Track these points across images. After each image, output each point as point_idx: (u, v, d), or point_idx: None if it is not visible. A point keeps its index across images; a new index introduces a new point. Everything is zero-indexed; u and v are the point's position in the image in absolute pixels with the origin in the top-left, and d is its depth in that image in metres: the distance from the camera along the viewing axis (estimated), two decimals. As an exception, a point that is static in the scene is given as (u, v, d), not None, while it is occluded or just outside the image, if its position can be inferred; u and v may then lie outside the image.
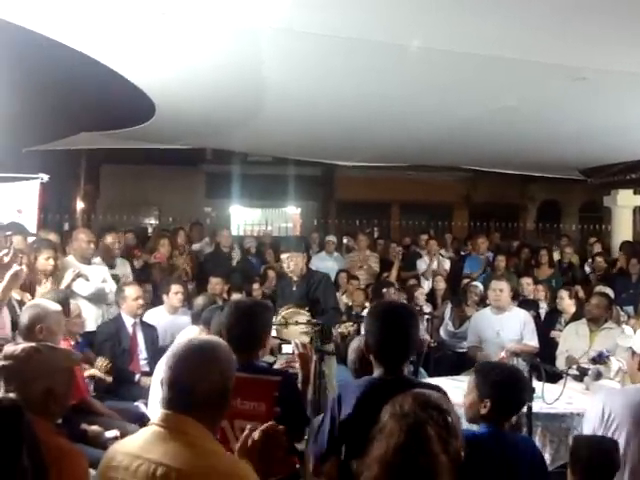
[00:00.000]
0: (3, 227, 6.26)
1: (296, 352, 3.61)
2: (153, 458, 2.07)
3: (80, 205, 15.09)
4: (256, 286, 8.31)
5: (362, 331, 6.88)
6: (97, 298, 6.57)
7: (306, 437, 3.46)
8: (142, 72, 6.01)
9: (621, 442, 3.09)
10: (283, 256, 6.34)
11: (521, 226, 18.01)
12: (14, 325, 4.62)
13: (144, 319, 6.48)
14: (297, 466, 3.37)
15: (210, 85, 6.34)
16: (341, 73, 5.88)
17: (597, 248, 10.85)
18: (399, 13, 4.50)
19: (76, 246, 6.83)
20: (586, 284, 8.77)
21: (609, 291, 7.58)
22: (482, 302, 7.67)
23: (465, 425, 3.24)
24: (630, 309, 7.94)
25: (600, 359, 4.93)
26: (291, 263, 6.18)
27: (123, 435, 4.50)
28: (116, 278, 7.02)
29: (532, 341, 6.51)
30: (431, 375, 6.26)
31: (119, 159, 15.66)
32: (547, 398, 4.24)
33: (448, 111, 7.08)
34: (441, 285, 9.02)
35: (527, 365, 4.23)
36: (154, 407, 4.39)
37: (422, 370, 6.32)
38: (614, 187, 11.61)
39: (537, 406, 4.19)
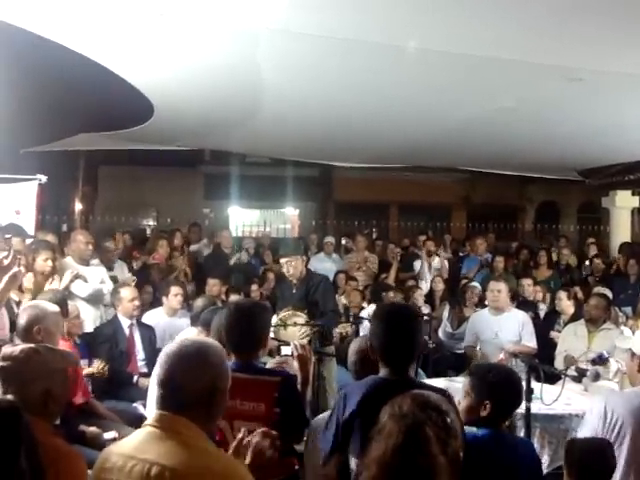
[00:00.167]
0: (2, 228, 6.26)
1: (295, 354, 3.61)
2: (147, 458, 2.08)
3: (78, 206, 15.09)
4: (254, 287, 8.31)
5: (361, 332, 6.94)
6: (95, 299, 6.57)
7: (305, 438, 3.46)
8: (140, 73, 6.01)
9: (625, 445, 3.08)
10: (282, 260, 6.36)
11: (519, 227, 18.04)
12: (12, 326, 4.60)
13: (143, 320, 6.48)
14: (296, 467, 3.37)
15: (208, 86, 6.34)
16: (338, 74, 5.88)
17: (593, 250, 10.86)
18: (395, 14, 4.50)
19: (74, 247, 6.82)
20: (584, 285, 8.77)
21: (608, 292, 7.58)
22: (480, 303, 7.67)
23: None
24: (628, 310, 7.94)
25: (600, 360, 4.93)
26: (290, 267, 6.19)
27: (121, 437, 4.50)
28: (114, 280, 7.01)
29: (530, 342, 6.51)
30: (429, 376, 6.26)
31: (117, 160, 15.68)
32: (546, 399, 4.24)
33: (445, 112, 7.09)
34: (440, 286, 9.02)
35: (526, 366, 4.23)
36: (153, 408, 4.38)
37: (420, 371, 6.32)
38: (612, 188, 11.62)
39: (536, 407, 4.19)
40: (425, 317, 7.41)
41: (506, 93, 6.24)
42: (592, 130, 7.62)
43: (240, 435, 2.28)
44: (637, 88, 5.85)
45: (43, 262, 5.98)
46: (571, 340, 6.45)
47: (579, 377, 5.61)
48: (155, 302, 7.28)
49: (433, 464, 1.86)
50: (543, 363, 5.37)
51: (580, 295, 7.87)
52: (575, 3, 4.28)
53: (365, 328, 7.07)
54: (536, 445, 4.30)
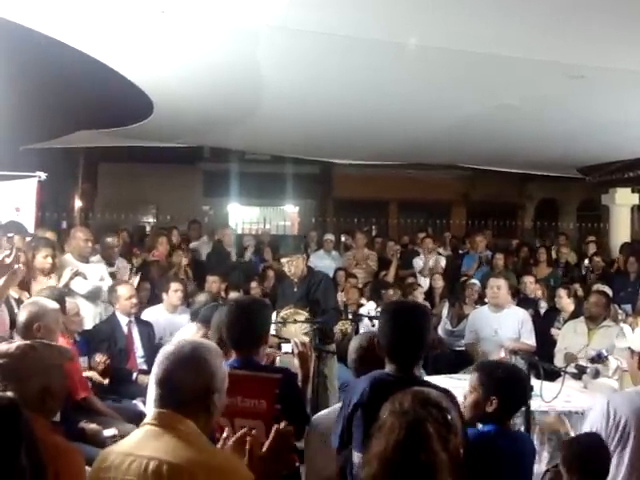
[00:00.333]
0: (2, 226, 6.25)
1: (295, 351, 3.61)
2: (145, 454, 2.10)
3: (78, 203, 15.09)
4: (254, 284, 8.30)
5: (361, 329, 6.95)
6: (95, 296, 6.56)
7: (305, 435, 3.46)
8: (140, 70, 6.00)
9: (629, 445, 3.07)
10: (283, 260, 6.38)
11: (519, 224, 18.03)
12: (12, 323, 4.61)
13: (142, 317, 6.47)
14: (297, 464, 3.37)
15: (208, 83, 6.34)
16: (338, 71, 5.88)
17: (592, 248, 10.85)
18: (396, 11, 4.50)
19: (74, 244, 6.82)
20: (584, 282, 8.77)
21: (607, 289, 7.58)
22: (480, 300, 7.68)
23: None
24: (628, 307, 7.95)
25: (599, 359, 4.93)
26: (292, 267, 6.20)
27: (121, 433, 4.51)
28: (115, 276, 7.01)
29: (530, 340, 6.51)
30: (429, 373, 6.26)
31: (117, 157, 15.65)
32: (545, 396, 4.24)
33: (445, 109, 7.08)
34: (439, 283, 9.02)
35: (525, 363, 4.23)
36: (151, 406, 4.38)
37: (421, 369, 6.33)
38: (612, 185, 11.62)
39: (535, 404, 4.19)
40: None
41: (507, 90, 6.23)
42: (592, 127, 7.62)
43: (225, 434, 2.30)
44: (638, 85, 5.84)
45: (43, 259, 5.98)
46: (571, 337, 6.45)
47: (579, 374, 5.60)
48: (154, 299, 7.27)
49: (434, 460, 1.86)
50: (543, 360, 5.38)
51: (580, 293, 7.87)
52: (576, 0, 4.28)
53: (365, 325, 7.08)
54: (535, 442, 4.30)
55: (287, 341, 4.19)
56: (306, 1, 4.52)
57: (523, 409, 3.91)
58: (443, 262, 9.90)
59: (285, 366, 3.98)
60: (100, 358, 5.51)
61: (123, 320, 6.12)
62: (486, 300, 7.06)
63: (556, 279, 9.23)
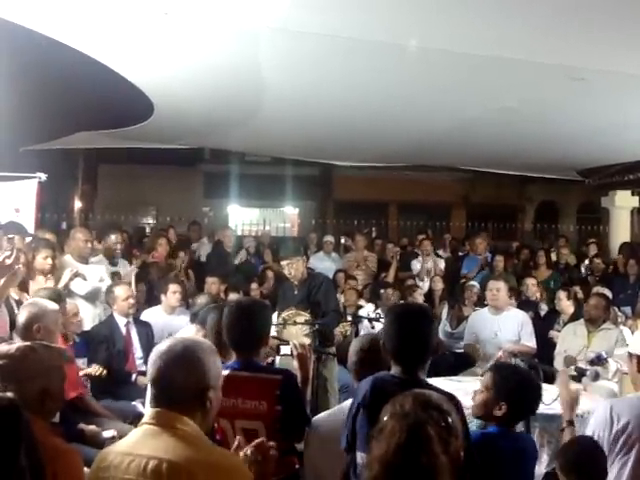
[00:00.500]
0: (2, 227, 6.25)
1: (294, 353, 3.61)
2: (144, 453, 2.09)
3: (78, 204, 15.10)
4: (254, 286, 8.30)
5: (361, 331, 6.94)
6: (94, 297, 6.56)
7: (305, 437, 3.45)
8: (141, 71, 6.00)
9: (633, 451, 3.06)
10: (283, 263, 6.37)
11: (519, 227, 18.05)
12: (12, 324, 4.60)
13: (140, 318, 6.47)
14: (297, 466, 3.37)
15: (209, 85, 6.34)
16: (340, 73, 5.88)
17: (593, 250, 10.85)
18: (399, 13, 4.50)
19: (73, 245, 6.81)
20: (584, 285, 8.77)
21: (607, 292, 7.58)
22: (479, 302, 7.67)
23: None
24: (628, 310, 7.95)
25: (599, 361, 4.93)
26: (292, 269, 6.20)
27: (120, 435, 4.50)
28: (117, 276, 7.00)
29: (530, 342, 6.50)
30: (428, 376, 6.24)
31: (117, 159, 15.67)
32: (545, 399, 4.23)
33: (447, 111, 7.08)
34: (439, 285, 9.01)
35: (525, 365, 4.23)
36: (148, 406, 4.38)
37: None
38: (612, 188, 11.62)
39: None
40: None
41: (509, 92, 6.24)
42: (593, 130, 7.62)
43: (237, 443, 2.30)
44: (638, 88, 5.85)
45: (43, 260, 5.97)
46: (570, 340, 6.45)
47: (578, 377, 5.60)
48: (153, 300, 7.25)
49: (435, 463, 1.86)
50: (542, 363, 5.38)
51: (580, 295, 7.87)
52: (578, 3, 4.28)
53: (365, 327, 7.07)
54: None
55: (287, 343, 4.19)
56: (308, 3, 4.53)
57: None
58: (442, 264, 9.90)
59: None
60: (95, 369, 5.48)
61: (121, 321, 6.10)
62: (485, 302, 7.06)
63: (556, 281, 9.22)
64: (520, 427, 4.01)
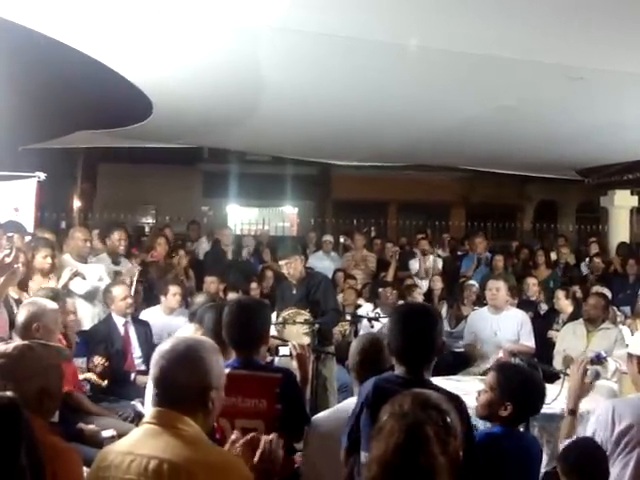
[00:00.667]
0: (1, 226, 6.25)
1: (294, 353, 3.61)
2: (145, 453, 2.09)
3: (77, 204, 15.09)
4: (254, 285, 8.30)
5: (361, 331, 6.94)
6: (93, 297, 6.55)
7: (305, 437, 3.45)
8: (140, 70, 5.99)
9: (635, 452, 3.05)
10: (281, 262, 6.38)
11: (518, 226, 18.05)
12: (12, 324, 4.60)
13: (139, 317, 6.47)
14: (296, 466, 3.37)
15: (208, 84, 6.33)
16: (339, 72, 5.88)
17: (594, 248, 10.86)
18: (398, 13, 4.50)
19: (73, 244, 6.81)
20: (583, 284, 8.77)
21: (607, 291, 7.59)
22: (478, 301, 7.68)
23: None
24: (627, 309, 7.96)
25: (598, 360, 4.93)
26: (290, 269, 6.21)
27: (118, 432, 4.51)
28: (119, 275, 7.00)
29: (529, 342, 6.50)
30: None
31: (116, 158, 15.65)
32: (546, 398, 4.24)
33: (446, 111, 7.08)
34: (438, 285, 9.01)
35: (525, 365, 4.23)
36: (149, 406, 4.39)
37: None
38: (611, 188, 11.63)
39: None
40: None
41: (507, 92, 6.24)
42: (592, 129, 7.62)
43: (234, 437, 2.29)
44: (637, 87, 5.85)
45: (42, 259, 5.97)
46: (570, 339, 6.45)
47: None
48: (152, 299, 7.24)
49: (434, 464, 1.86)
50: (542, 362, 5.37)
51: (579, 294, 7.87)
52: (577, 2, 4.28)
53: (364, 327, 7.08)
54: (535, 444, 4.30)
55: (286, 344, 4.19)
56: (307, 2, 4.52)
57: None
58: (440, 264, 9.90)
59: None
60: (98, 360, 5.49)
61: (119, 321, 6.10)
62: (484, 302, 7.06)
63: (555, 281, 9.23)
64: (520, 427, 4.03)
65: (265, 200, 18.75)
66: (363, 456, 2.76)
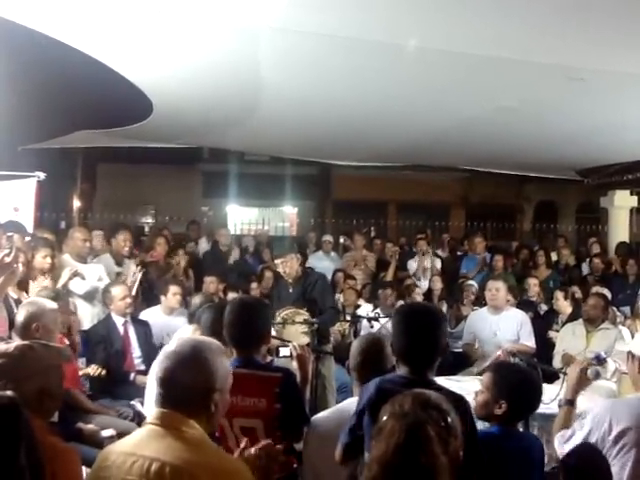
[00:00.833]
0: (1, 226, 6.25)
1: (294, 354, 3.61)
2: (147, 454, 2.09)
3: (76, 204, 15.08)
4: (254, 285, 8.30)
5: (361, 331, 6.94)
6: (93, 297, 6.56)
7: (304, 437, 3.45)
8: (140, 70, 5.99)
9: (631, 455, 3.05)
10: (277, 261, 6.39)
11: (517, 226, 18.04)
12: (11, 324, 4.60)
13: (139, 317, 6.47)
14: (295, 466, 3.37)
15: (208, 84, 6.33)
16: (338, 72, 5.88)
17: (596, 249, 10.85)
18: (397, 13, 4.50)
19: (72, 244, 6.81)
20: (583, 285, 8.78)
21: (606, 292, 7.59)
22: (477, 301, 7.68)
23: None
24: (627, 310, 7.95)
25: (597, 361, 4.93)
26: (286, 267, 6.21)
27: (119, 432, 4.51)
28: (121, 276, 7.00)
29: (529, 342, 6.51)
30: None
31: (116, 158, 15.63)
32: (545, 398, 4.23)
33: (445, 111, 7.08)
34: (438, 285, 9.01)
35: (525, 365, 4.23)
36: (150, 406, 4.39)
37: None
38: (611, 188, 11.62)
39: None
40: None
41: (507, 92, 6.24)
42: (592, 130, 7.62)
43: (243, 445, 2.30)
44: (637, 88, 5.85)
45: (42, 259, 5.97)
46: (569, 340, 6.45)
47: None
48: (152, 299, 7.24)
49: (435, 464, 1.86)
50: (542, 362, 5.37)
51: (578, 295, 7.87)
52: (576, 2, 4.28)
53: (364, 327, 7.08)
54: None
55: (286, 345, 4.19)
56: (307, 2, 4.52)
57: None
58: (438, 264, 9.89)
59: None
60: (93, 370, 5.46)
61: (119, 321, 6.10)
62: (484, 302, 7.06)
63: (555, 281, 9.23)
64: (520, 427, 4.03)
65: (265, 200, 18.74)
66: (367, 457, 2.75)
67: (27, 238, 6.42)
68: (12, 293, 5.20)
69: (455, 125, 7.59)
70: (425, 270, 9.54)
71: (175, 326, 6.14)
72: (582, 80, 5.55)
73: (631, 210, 12.40)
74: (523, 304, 7.68)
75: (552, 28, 4.62)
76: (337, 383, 6.34)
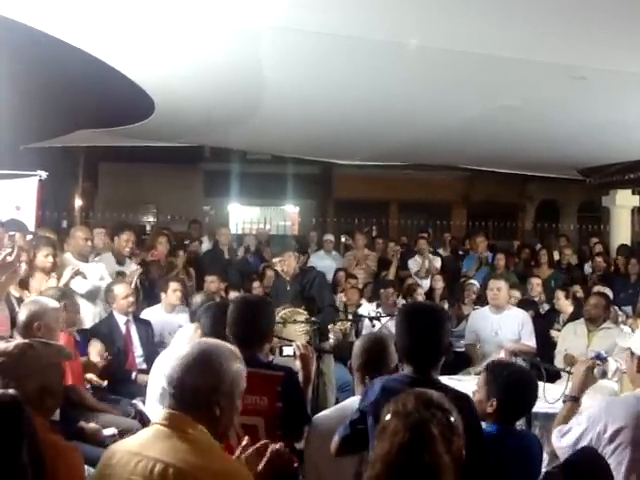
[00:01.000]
0: (2, 224, 6.25)
1: (297, 353, 3.61)
2: (152, 455, 2.09)
3: (78, 203, 15.10)
4: (256, 284, 8.29)
5: (362, 330, 6.94)
6: (94, 296, 6.56)
7: (305, 436, 3.45)
8: (142, 69, 6.00)
9: (626, 453, 3.04)
10: (275, 260, 6.40)
11: (519, 226, 18.03)
12: (13, 322, 4.60)
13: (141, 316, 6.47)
14: (295, 465, 3.36)
15: (210, 83, 6.34)
16: (340, 71, 5.88)
17: (598, 248, 10.85)
18: (399, 12, 4.50)
19: (74, 243, 6.82)
20: (585, 284, 8.77)
21: (608, 291, 7.58)
22: (479, 300, 7.67)
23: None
24: (628, 309, 7.95)
25: (598, 360, 4.92)
26: (284, 265, 6.22)
27: (121, 430, 4.51)
28: (122, 275, 7.00)
29: (530, 341, 6.50)
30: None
31: (117, 157, 15.65)
32: (548, 398, 4.24)
33: (447, 110, 7.08)
34: (439, 284, 9.00)
35: (527, 364, 4.23)
36: (152, 405, 4.39)
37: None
38: (613, 187, 11.61)
39: (536, 406, 4.18)
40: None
41: (508, 91, 6.23)
42: (593, 129, 7.62)
43: (244, 442, 2.30)
44: (639, 87, 5.84)
45: (44, 258, 5.97)
46: (571, 339, 6.44)
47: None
48: (153, 299, 7.24)
49: (439, 462, 1.85)
50: (543, 362, 5.36)
51: (580, 294, 7.87)
52: (579, 1, 4.28)
53: (366, 326, 7.08)
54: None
55: (288, 344, 4.19)
56: (308, 2, 4.52)
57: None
58: (438, 263, 9.88)
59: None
60: (100, 352, 5.38)
61: (121, 320, 6.10)
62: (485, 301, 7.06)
63: (557, 280, 9.22)
64: (521, 426, 4.02)
65: (266, 199, 18.75)
66: (370, 456, 2.75)
67: (29, 237, 6.42)
68: (14, 292, 5.20)
69: (457, 124, 7.59)
70: (425, 269, 9.54)
71: (176, 324, 6.14)
72: (584, 79, 5.54)
73: (633, 209, 12.41)
74: (524, 303, 7.67)
75: (555, 27, 4.61)
76: (339, 382, 6.34)
